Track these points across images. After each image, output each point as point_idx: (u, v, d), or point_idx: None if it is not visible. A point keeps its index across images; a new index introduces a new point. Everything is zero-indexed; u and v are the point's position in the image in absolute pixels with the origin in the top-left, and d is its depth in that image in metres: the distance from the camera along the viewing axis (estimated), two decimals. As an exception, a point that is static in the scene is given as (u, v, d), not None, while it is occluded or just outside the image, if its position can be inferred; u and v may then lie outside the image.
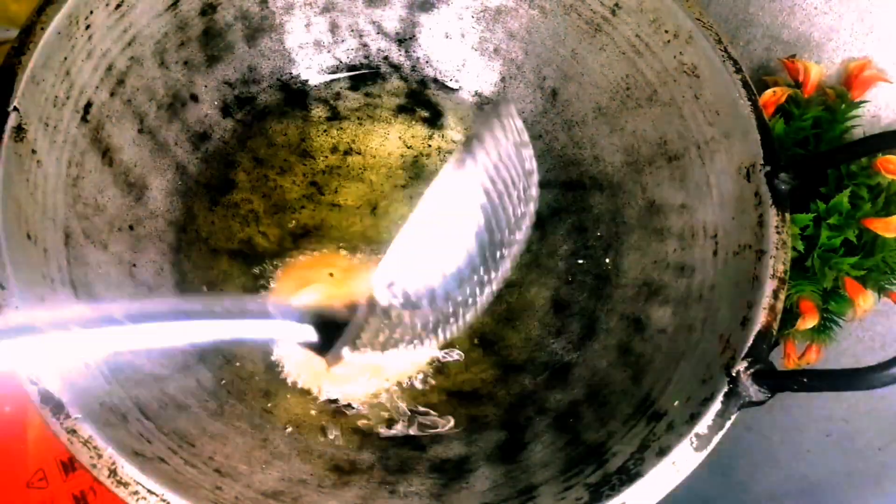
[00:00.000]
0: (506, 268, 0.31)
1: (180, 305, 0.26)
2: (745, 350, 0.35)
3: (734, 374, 0.35)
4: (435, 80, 0.53)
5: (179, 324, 0.25)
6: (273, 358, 0.43)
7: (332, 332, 0.29)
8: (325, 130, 0.51)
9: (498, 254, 0.30)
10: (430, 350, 0.31)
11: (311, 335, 0.28)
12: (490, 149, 0.27)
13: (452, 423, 0.42)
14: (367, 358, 0.30)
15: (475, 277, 0.29)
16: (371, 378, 0.43)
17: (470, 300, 0.30)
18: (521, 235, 0.30)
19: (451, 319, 0.30)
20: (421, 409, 0.43)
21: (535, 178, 0.30)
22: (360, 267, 0.47)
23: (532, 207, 0.30)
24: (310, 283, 0.45)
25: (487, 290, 0.30)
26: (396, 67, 0.53)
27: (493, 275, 0.30)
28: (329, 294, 0.44)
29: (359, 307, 0.29)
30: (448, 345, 0.43)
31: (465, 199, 0.27)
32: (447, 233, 0.28)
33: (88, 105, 0.40)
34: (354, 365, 0.42)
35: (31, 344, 0.24)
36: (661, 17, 0.44)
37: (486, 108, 0.27)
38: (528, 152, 0.30)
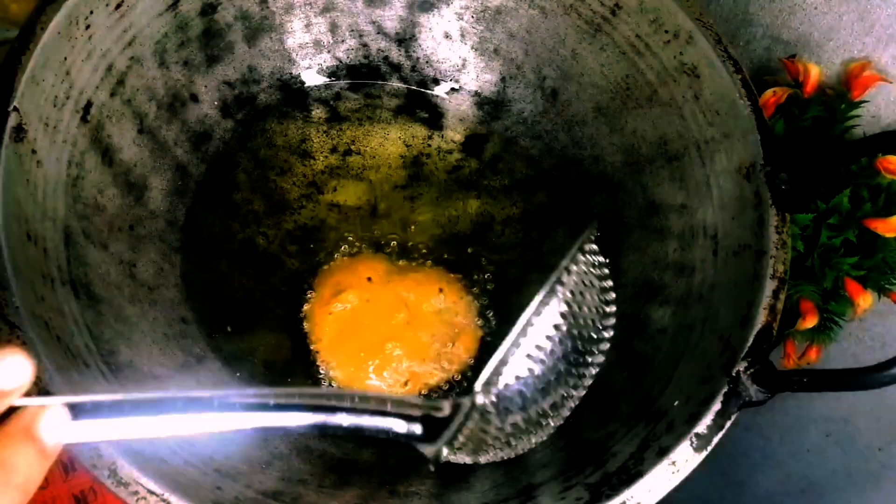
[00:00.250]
0: (586, 383, 0.34)
1: (310, 397, 0.28)
2: (745, 350, 0.35)
3: (734, 374, 0.35)
4: (435, 80, 0.53)
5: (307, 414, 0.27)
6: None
7: (434, 426, 0.31)
8: (324, 131, 0.51)
9: (579, 370, 0.34)
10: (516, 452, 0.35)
11: (418, 430, 0.31)
12: (571, 275, 0.32)
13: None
14: (460, 459, 0.33)
15: (559, 391, 0.33)
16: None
17: (553, 411, 0.34)
18: (600, 355, 0.34)
19: (537, 428, 0.33)
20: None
21: (612, 294, 0.35)
22: (397, 271, 0.46)
23: (610, 330, 0.35)
24: (348, 288, 0.45)
25: (570, 403, 0.34)
26: (396, 67, 0.53)
27: (575, 389, 0.34)
28: (366, 297, 0.45)
29: (460, 408, 0.31)
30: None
31: (553, 320, 0.32)
32: (537, 349, 0.32)
33: (88, 105, 0.40)
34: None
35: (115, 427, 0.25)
36: (661, 17, 0.44)
37: (578, 241, 0.33)
38: (605, 271, 0.34)
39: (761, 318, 0.36)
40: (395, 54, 0.53)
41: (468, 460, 0.33)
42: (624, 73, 0.47)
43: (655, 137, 0.46)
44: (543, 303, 0.31)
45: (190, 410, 0.25)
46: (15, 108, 0.35)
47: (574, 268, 0.33)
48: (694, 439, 0.34)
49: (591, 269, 0.34)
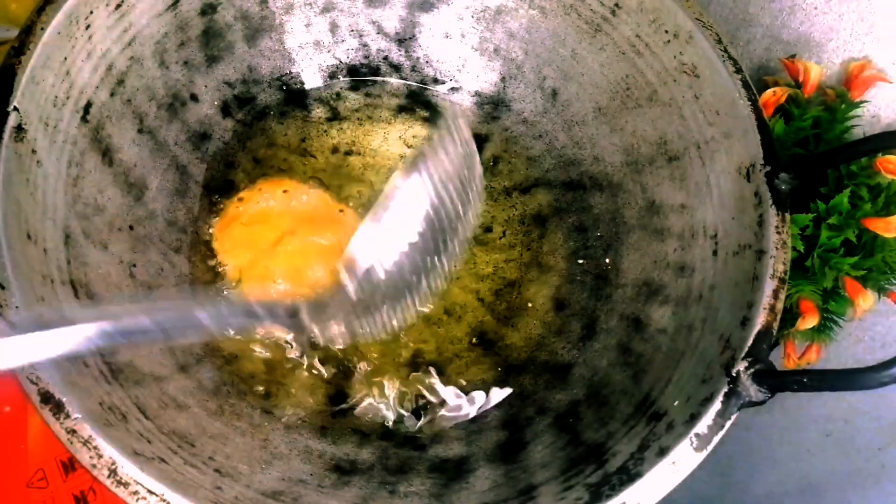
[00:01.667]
0: (453, 256, 0.36)
1: (179, 308, 0.29)
2: (745, 350, 0.35)
3: (734, 374, 0.35)
4: (435, 80, 0.53)
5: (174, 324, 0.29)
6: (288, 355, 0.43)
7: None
8: (325, 130, 0.51)
9: (442, 249, 0.35)
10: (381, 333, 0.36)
11: (286, 323, 0.33)
12: (436, 156, 0.33)
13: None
14: (332, 338, 0.34)
15: (426, 262, 0.34)
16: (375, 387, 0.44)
17: (418, 288, 0.35)
18: (462, 233, 0.35)
19: (403, 306, 0.35)
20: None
21: (477, 182, 0.36)
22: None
23: (473, 209, 0.36)
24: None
25: (433, 281, 0.35)
26: (396, 67, 0.53)
27: (441, 261, 0.35)
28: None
29: (327, 298, 0.33)
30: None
31: (416, 201, 0.33)
32: (401, 225, 0.33)
33: (88, 105, 0.40)
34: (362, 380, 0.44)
35: (33, 342, 0.25)
36: (661, 17, 0.44)
37: (438, 119, 0.34)
38: (473, 159, 0.35)
39: (761, 318, 0.36)
40: (395, 54, 0.53)
41: (341, 340, 0.35)
42: (624, 73, 0.47)
43: (655, 137, 0.46)
44: (411, 185, 0.32)
45: (38, 329, 0.26)
46: (15, 108, 0.35)
47: (441, 153, 0.33)
48: (694, 439, 0.34)
49: (459, 155, 0.34)
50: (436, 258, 0.35)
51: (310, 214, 0.47)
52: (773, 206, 0.38)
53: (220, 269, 0.45)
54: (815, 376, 0.33)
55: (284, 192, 0.47)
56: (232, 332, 0.36)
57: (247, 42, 0.49)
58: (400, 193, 0.32)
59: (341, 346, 0.36)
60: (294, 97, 0.52)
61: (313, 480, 0.38)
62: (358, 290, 0.33)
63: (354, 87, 0.53)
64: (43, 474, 0.43)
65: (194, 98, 0.48)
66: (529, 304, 0.47)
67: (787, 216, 0.38)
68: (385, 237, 0.32)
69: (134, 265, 0.42)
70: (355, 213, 0.48)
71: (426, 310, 0.37)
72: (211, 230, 0.46)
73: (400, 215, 0.32)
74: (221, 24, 0.48)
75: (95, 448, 0.31)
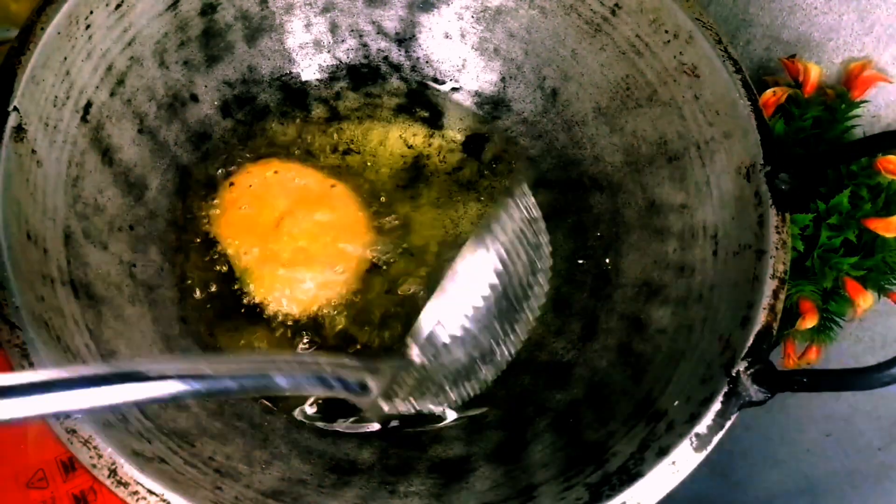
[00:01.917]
0: (520, 330, 0.36)
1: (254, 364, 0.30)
2: (745, 350, 0.35)
3: (734, 374, 0.35)
4: (435, 80, 0.53)
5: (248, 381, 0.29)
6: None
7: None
8: (324, 130, 0.51)
9: (512, 317, 0.36)
10: (453, 404, 0.37)
11: (354, 386, 0.33)
12: (503, 229, 0.34)
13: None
14: (397, 409, 0.35)
15: (493, 338, 0.35)
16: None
17: (488, 358, 0.36)
18: (533, 301, 0.36)
19: (472, 376, 0.36)
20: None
21: (546, 249, 0.37)
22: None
23: (543, 276, 0.37)
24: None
25: (505, 349, 0.36)
26: (396, 67, 0.53)
27: (509, 335, 0.36)
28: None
29: (395, 363, 0.34)
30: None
31: (483, 272, 0.33)
32: (468, 300, 0.34)
33: (88, 105, 0.40)
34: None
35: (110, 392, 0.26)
36: (661, 17, 0.44)
37: (503, 192, 0.38)
38: (540, 226, 0.36)
39: (761, 318, 0.36)
40: (395, 54, 0.53)
41: (403, 409, 0.35)
42: (624, 73, 0.47)
43: (655, 137, 0.46)
44: (477, 258, 0.33)
45: (121, 382, 0.26)
46: (15, 108, 0.35)
47: (508, 222, 0.34)
48: (694, 439, 0.34)
49: (526, 224, 0.35)
50: (504, 324, 0.35)
51: (304, 193, 0.47)
52: (773, 206, 0.38)
53: (220, 259, 0.45)
54: (815, 376, 0.33)
55: (275, 172, 0.47)
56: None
57: (247, 42, 0.49)
58: (466, 266, 0.33)
59: (407, 414, 0.36)
60: (294, 97, 0.52)
61: (313, 480, 0.38)
62: (421, 354, 0.34)
63: (354, 87, 0.53)
64: (43, 474, 0.43)
65: (194, 98, 0.48)
66: (529, 304, 0.47)
67: (787, 216, 0.38)
68: (450, 305, 0.33)
69: (134, 265, 0.42)
70: (346, 186, 0.48)
71: (493, 379, 0.37)
72: (208, 220, 0.46)
73: (465, 286, 0.33)
74: (221, 24, 0.48)
75: (95, 448, 0.31)
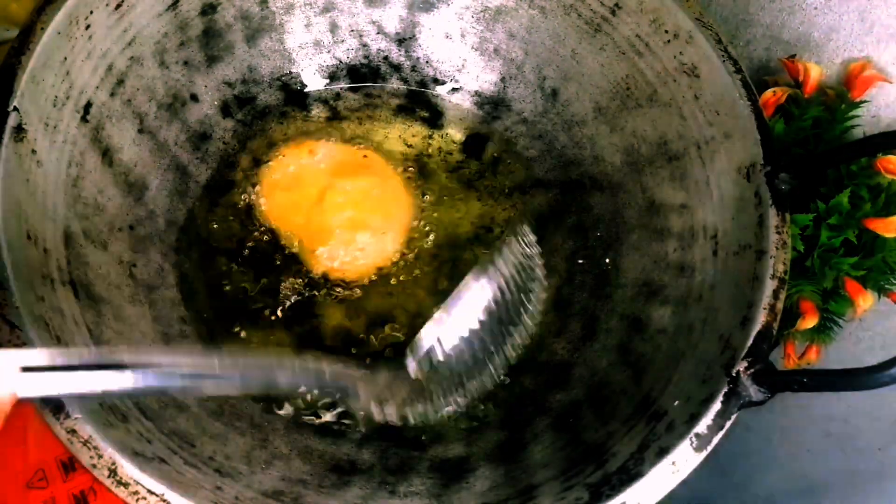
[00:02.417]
0: (509, 353, 0.40)
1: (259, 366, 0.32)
2: (745, 350, 0.35)
3: (734, 374, 0.35)
4: (435, 80, 0.53)
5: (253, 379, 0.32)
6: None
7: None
8: (325, 131, 0.51)
9: (504, 341, 0.39)
10: (438, 416, 0.40)
11: (350, 395, 0.36)
12: (504, 261, 0.38)
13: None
14: (387, 416, 0.37)
15: (485, 358, 0.39)
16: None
17: (477, 376, 0.39)
18: (524, 327, 0.40)
19: (460, 391, 0.39)
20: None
21: (540, 281, 0.41)
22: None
23: (535, 304, 0.41)
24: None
25: (493, 369, 0.39)
26: (396, 67, 0.53)
27: (498, 357, 0.39)
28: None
29: (392, 373, 0.37)
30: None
31: (481, 299, 0.37)
32: (466, 322, 0.37)
33: (88, 105, 0.40)
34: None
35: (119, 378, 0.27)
36: (661, 17, 0.44)
37: (507, 228, 0.45)
38: (536, 261, 0.41)
39: (761, 318, 0.36)
40: (395, 54, 0.53)
41: (394, 417, 0.37)
42: (624, 73, 0.47)
43: (655, 137, 0.46)
44: (478, 286, 0.37)
45: (138, 370, 0.27)
46: (15, 108, 0.35)
47: (509, 256, 0.38)
48: (694, 439, 0.34)
49: (524, 258, 0.39)
50: (496, 347, 0.39)
51: (339, 166, 0.49)
52: (773, 206, 0.38)
53: (268, 235, 0.47)
54: (815, 376, 0.33)
55: (310, 151, 0.49)
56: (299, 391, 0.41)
57: (247, 42, 0.49)
58: (467, 292, 0.37)
59: (395, 424, 0.38)
60: (294, 97, 0.52)
61: (313, 480, 0.38)
62: (417, 368, 0.37)
63: (354, 88, 0.53)
64: (43, 474, 0.43)
65: (194, 98, 0.48)
66: (529, 304, 0.47)
67: (787, 216, 0.38)
68: (447, 325, 0.37)
69: (134, 265, 0.42)
70: (378, 155, 0.50)
71: (478, 396, 0.40)
72: (255, 197, 0.48)
73: (465, 310, 0.37)
74: (221, 24, 0.48)
75: (95, 448, 0.31)
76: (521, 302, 0.39)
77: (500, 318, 0.38)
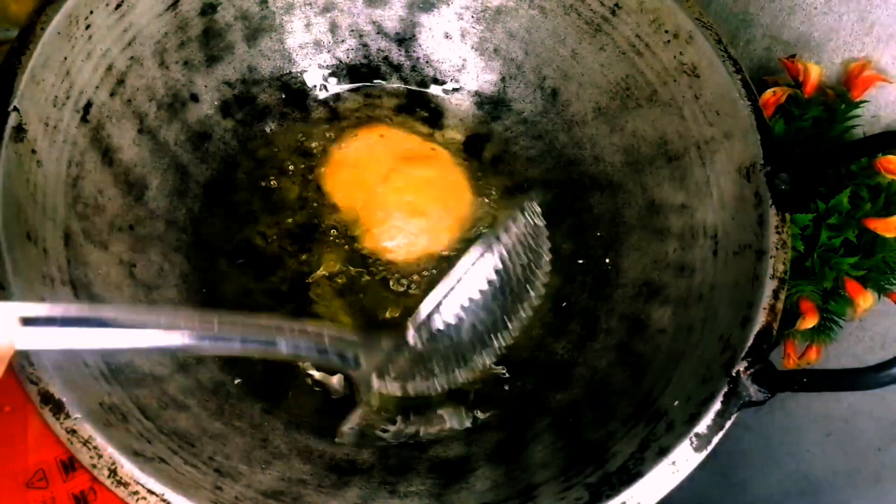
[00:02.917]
0: (511, 335, 0.39)
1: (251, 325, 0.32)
2: (745, 350, 0.35)
3: (734, 374, 0.35)
4: (435, 80, 0.53)
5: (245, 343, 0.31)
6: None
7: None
8: (324, 130, 0.51)
9: (507, 313, 0.38)
10: (439, 390, 0.39)
11: (351, 359, 0.36)
12: (507, 233, 0.37)
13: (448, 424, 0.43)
14: (387, 388, 0.37)
15: (486, 330, 0.38)
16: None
17: (479, 349, 0.38)
18: (528, 300, 0.39)
19: (461, 365, 0.38)
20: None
21: (546, 255, 0.40)
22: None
23: (541, 277, 0.40)
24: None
25: (495, 342, 0.39)
26: (396, 67, 0.53)
27: (500, 338, 0.39)
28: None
29: (391, 342, 0.36)
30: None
31: (483, 269, 0.36)
32: (470, 298, 0.36)
33: (88, 105, 0.40)
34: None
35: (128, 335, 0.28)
36: (661, 17, 0.44)
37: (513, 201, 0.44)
38: (542, 233, 0.40)
39: (761, 318, 0.36)
40: (395, 54, 0.53)
41: (395, 389, 0.37)
42: (624, 73, 0.47)
43: (655, 137, 0.46)
44: (481, 255, 0.36)
45: (137, 327, 0.28)
46: (15, 108, 0.35)
47: (513, 229, 0.38)
48: (694, 439, 0.34)
49: (529, 233, 0.39)
50: (498, 319, 0.38)
51: (407, 153, 0.50)
52: (773, 206, 0.38)
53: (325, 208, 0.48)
54: (815, 376, 0.33)
55: (381, 136, 0.51)
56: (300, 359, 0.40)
57: (247, 42, 0.49)
58: (468, 261, 0.36)
59: (397, 394, 0.38)
60: (294, 97, 0.52)
61: (313, 480, 0.38)
62: (416, 336, 0.36)
63: (354, 88, 0.53)
64: (43, 474, 0.43)
65: (194, 98, 0.48)
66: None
67: (787, 216, 0.38)
68: (448, 295, 0.36)
69: (134, 265, 0.42)
70: (446, 151, 0.51)
71: (481, 370, 0.40)
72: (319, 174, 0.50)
73: (466, 280, 0.36)
74: (221, 24, 0.48)
75: (95, 448, 0.31)
76: (526, 276, 0.38)
77: (503, 290, 0.37)
